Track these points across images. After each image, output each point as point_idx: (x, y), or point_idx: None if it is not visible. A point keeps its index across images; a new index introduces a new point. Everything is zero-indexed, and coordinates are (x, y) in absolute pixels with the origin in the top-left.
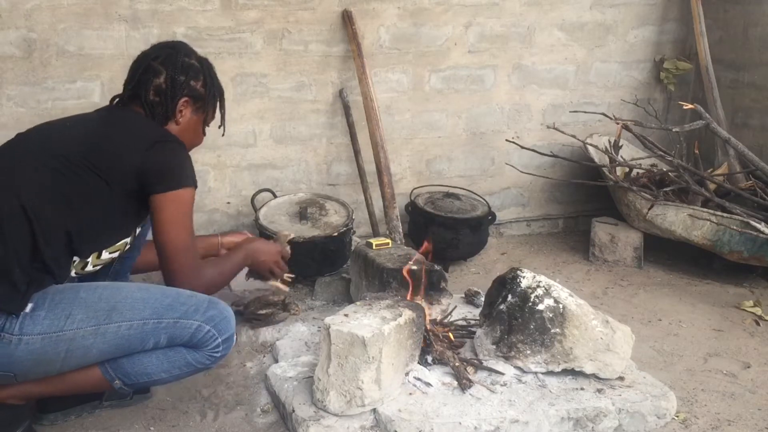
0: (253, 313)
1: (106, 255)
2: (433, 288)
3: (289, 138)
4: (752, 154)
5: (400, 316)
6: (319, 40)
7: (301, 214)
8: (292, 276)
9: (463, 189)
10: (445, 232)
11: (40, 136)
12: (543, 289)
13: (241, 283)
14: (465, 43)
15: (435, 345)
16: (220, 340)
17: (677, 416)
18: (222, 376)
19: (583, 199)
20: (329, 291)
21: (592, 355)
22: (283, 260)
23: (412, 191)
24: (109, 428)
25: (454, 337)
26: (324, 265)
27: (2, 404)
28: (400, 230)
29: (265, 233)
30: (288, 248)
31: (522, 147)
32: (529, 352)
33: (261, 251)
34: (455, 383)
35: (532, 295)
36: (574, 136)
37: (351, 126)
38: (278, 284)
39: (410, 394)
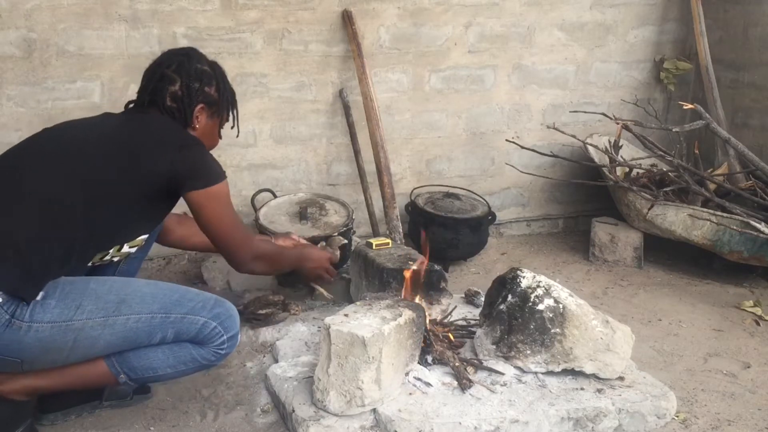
0: (253, 313)
1: (126, 248)
2: (433, 288)
3: (289, 138)
4: (752, 154)
5: (400, 316)
6: (319, 40)
7: (301, 214)
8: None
9: (463, 189)
10: (445, 232)
11: (66, 133)
12: (543, 289)
13: (240, 282)
14: (465, 43)
15: (435, 345)
16: (225, 337)
17: (677, 416)
18: (222, 376)
19: (583, 199)
20: (329, 291)
21: (592, 355)
22: (333, 265)
23: (412, 191)
24: (109, 428)
25: (454, 337)
26: None
27: (6, 400)
28: (400, 230)
29: (265, 233)
30: (338, 253)
31: (522, 147)
32: (529, 352)
33: (311, 258)
34: (455, 383)
35: (532, 295)
36: (574, 136)
37: (351, 126)
38: (323, 291)
39: (410, 394)
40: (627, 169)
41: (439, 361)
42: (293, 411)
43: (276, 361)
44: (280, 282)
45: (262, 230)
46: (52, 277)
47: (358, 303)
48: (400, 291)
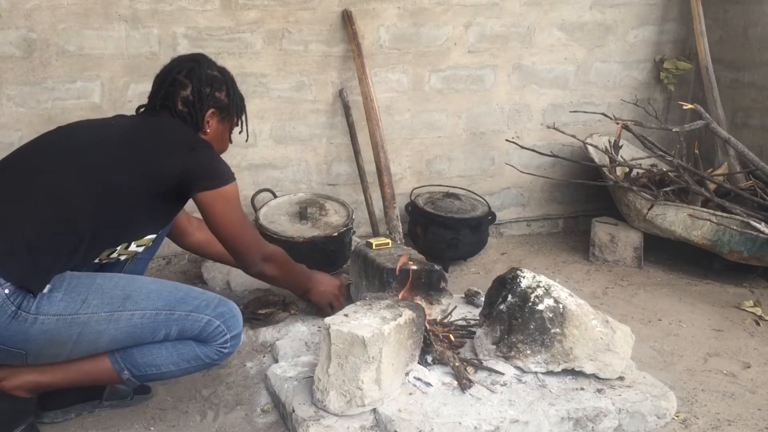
0: (253, 313)
1: (133, 247)
2: (433, 288)
3: (289, 138)
4: (752, 154)
5: (400, 316)
6: (319, 40)
7: (301, 214)
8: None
9: (463, 189)
10: (445, 232)
11: (79, 132)
12: (543, 289)
13: (240, 283)
14: (465, 43)
15: (435, 345)
16: (228, 336)
17: (677, 416)
18: (222, 376)
19: (583, 199)
20: None
21: (592, 355)
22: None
23: (412, 191)
24: (109, 428)
25: (454, 337)
26: (324, 265)
27: (8, 396)
28: (400, 230)
29: (265, 233)
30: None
31: (522, 147)
32: (529, 352)
33: (322, 282)
34: (455, 383)
35: (532, 295)
36: (574, 136)
37: (351, 126)
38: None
39: (410, 394)
40: (627, 169)
41: (439, 361)
42: (293, 411)
43: (276, 361)
44: None
45: (263, 230)
46: (59, 271)
47: (358, 303)
48: (399, 291)
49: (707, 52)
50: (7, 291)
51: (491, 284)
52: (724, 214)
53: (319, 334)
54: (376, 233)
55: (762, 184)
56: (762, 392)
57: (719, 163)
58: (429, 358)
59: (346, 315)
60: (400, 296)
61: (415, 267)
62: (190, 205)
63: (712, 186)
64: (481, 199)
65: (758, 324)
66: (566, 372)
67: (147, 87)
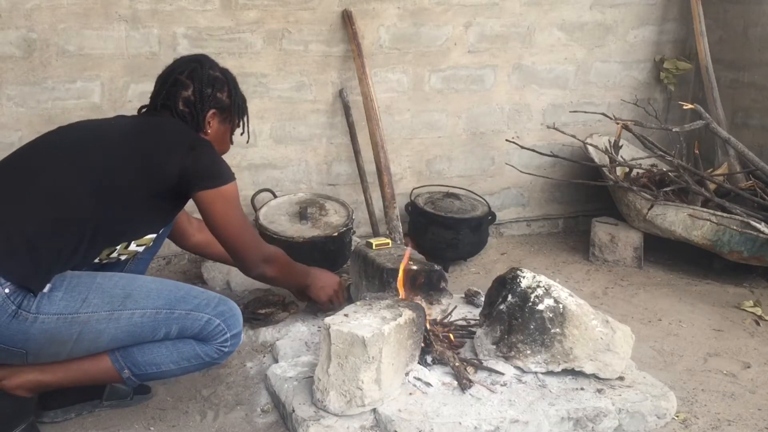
0: (253, 313)
1: (133, 246)
2: (433, 288)
3: (289, 138)
4: (752, 154)
5: (400, 316)
6: (319, 40)
7: (301, 214)
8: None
9: (463, 189)
10: (445, 232)
11: (80, 132)
12: (543, 289)
13: (240, 283)
14: (465, 43)
15: (435, 345)
16: (228, 335)
17: (677, 416)
18: (222, 376)
19: (583, 199)
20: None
21: (592, 355)
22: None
23: (412, 191)
24: (109, 428)
25: (454, 337)
26: (324, 265)
27: (9, 395)
28: (400, 230)
29: (265, 233)
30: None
31: (522, 147)
32: (529, 352)
33: (321, 278)
34: (455, 383)
35: (532, 295)
36: (574, 136)
37: (351, 126)
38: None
39: (410, 394)
40: (627, 169)
41: (439, 361)
42: (293, 411)
43: (276, 361)
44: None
45: (263, 230)
46: (60, 270)
47: (358, 303)
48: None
49: (707, 52)
50: (7, 290)
51: (491, 284)
52: (724, 214)
53: (319, 334)
54: (376, 233)
55: (762, 184)
56: (762, 392)
57: (719, 163)
58: (429, 358)
59: (346, 315)
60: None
61: (415, 267)
62: (190, 205)
63: (712, 186)
64: (481, 199)
65: (758, 324)
66: (566, 372)
67: (147, 87)
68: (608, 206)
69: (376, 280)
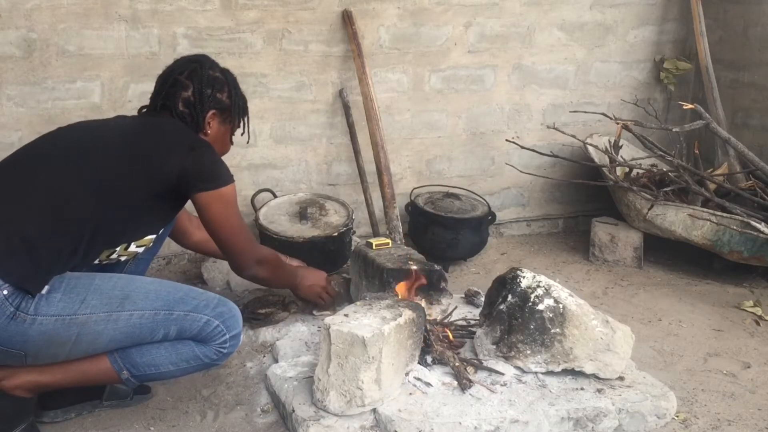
0: (253, 313)
1: (133, 247)
2: (433, 288)
3: (289, 138)
4: (752, 154)
5: (400, 316)
6: (319, 40)
7: (301, 214)
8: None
9: (463, 189)
10: (445, 232)
11: (80, 132)
12: (543, 289)
13: (240, 283)
14: (465, 43)
15: (435, 345)
16: (228, 336)
17: (677, 416)
18: (222, 376)
19: (583, 199)
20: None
21: (592, 355)
22: (330, 295)
23: (412, 191)
24: (109, 428)
25: (454, 337)
26: (324, 265)
27: (8, 396)
28: (400, 230)
29: (265, 233)
30: (338, 289)
31: (522, 147)
32: (529, 352)
33: (309, 277)
34: (455, 383)
35: (532, 295)
36: (574, 136)
37: (351, 126)
38: (327, 314)
39: (410, 394)
40: (627, 169)
41: (439, 361)
42: (293, 411)
43: (276, 361)
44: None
45: (263, 230)
46: (58, 272)
47: (358, 303)
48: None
49: (707, 52)
50: (5, 292)
51: (491, 284)
52: (724, 214)
53: (319, 334)
54: (376, 233)
55: (762, 184)
56: (762, 392)
57: (719, 163)
58: (429, 358)
59: (346, 315)
60: (399, 295)
61: (415, 267)
62: (190, 204)
63: (712, 186)
64: (481, 199)
65: (758, 324)
66: (566, 372)
67: (147, 87)
68: (608, 206)
69: (376, 280)
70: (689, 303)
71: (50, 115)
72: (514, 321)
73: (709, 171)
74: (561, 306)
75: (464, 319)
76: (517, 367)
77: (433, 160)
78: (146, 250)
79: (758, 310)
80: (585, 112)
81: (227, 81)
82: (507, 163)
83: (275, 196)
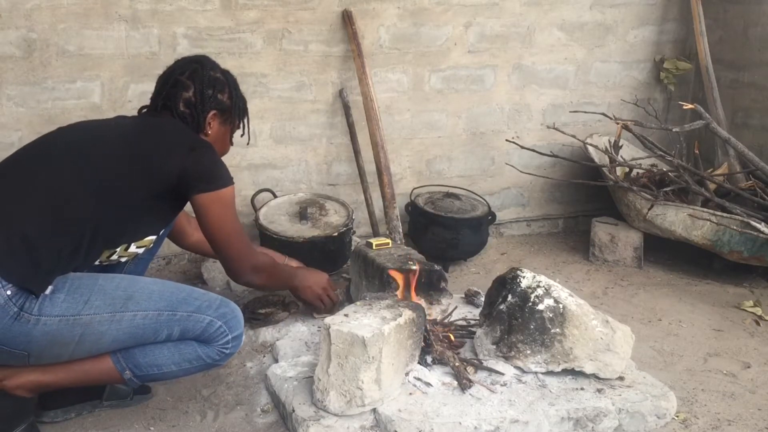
0: (253, 313)
1: (133, 248)
2: (433, 288)
3: (289, 138)
4: (752, 154)
5: (400, 316)
6: (319, 40)
7: (301, 214)
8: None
9: (463, 189)
10: (445, 232)
11: (80, 132)
12: (543, 289)
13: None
14: (465, 43)
15: (435, 345)
16: (230, 336)
17: (677, 416)
18: (222, 376)
19: (583, 199)
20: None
21: (592, 355)
22: (332, 299)
23: (412, 191)
24: (109, 428)
25: (454, 337)
26: (324, 265)
27: (10, 396)
28: (400, 230)
29: (265, 233)
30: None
31: (522, 147)
32: (529, 352)
33: (310, 278)
34: (455, 383)
35: (532, 295)
36: (574, 136)
37: (351, 126)
38: (321, 315)
39: (410, 394)
40: (627, 169)
41: (439, 361)
42: (293, 411)
43: (276, 361)
44: None
45: (263, 230)
46: (61, 272)
47: (358, 303)
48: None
49: (707, 52)
50: (9, 292)
51: (491, 284)
52: (724, 214)
53: (319, 334)
54: (376, 233)
55: (762, 184)
56: (762, 392)
57: (719, 163)
58: (429, 358)
59: (346, 315)
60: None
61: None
62: (189, 205)
63: (712, 186)
64: (481, 199)
65: (758, 324)
66: (566, 372)
67: (147, 87)
68: (608, 206)
69: (376, 280)
70: (689, 303)
71: (50, 115)
72: (514, 321)
73: (709, 171)
74: (561, 306)
75: (464, 319)
76: (517, 367)
77: (433, 160)
78: (146, 250)
79: (758, 310)
80: (585, 112)
81: (228, 82)
82: (507, 163)
83: (275, 196)
